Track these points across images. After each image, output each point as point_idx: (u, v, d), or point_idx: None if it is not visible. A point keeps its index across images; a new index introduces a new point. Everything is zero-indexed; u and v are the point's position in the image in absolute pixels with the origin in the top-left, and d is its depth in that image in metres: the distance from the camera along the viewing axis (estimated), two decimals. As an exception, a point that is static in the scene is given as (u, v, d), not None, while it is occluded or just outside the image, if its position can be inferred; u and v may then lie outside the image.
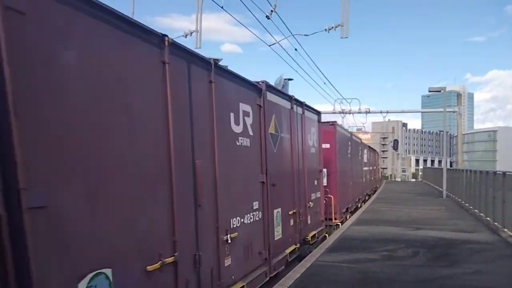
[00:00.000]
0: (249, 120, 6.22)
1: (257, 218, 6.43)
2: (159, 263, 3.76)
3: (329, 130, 12.76)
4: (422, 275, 7.28)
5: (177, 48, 4.33)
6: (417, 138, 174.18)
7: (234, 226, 5.58)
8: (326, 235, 11.59)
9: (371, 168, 29.99)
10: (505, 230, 11.44)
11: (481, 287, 6.59)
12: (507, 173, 12.04)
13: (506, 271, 7.64)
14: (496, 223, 12.54)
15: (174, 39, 4.25)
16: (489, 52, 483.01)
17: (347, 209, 15.75)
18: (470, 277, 7.15)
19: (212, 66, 5.07)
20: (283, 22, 14.91)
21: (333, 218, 12.86)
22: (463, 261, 8.31)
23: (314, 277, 7.18)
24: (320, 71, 40.37)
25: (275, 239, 7.22)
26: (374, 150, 37.38)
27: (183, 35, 16.75)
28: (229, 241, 5.34)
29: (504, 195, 11.85)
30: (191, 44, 16.27)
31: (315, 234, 10.12)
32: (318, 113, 11.38)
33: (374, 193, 29.29)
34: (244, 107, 6.06)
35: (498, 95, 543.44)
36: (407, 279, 7.04)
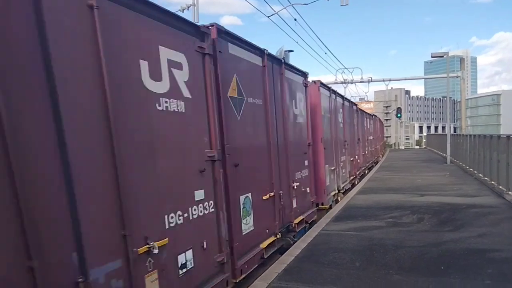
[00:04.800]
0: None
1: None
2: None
3: (311, 90, 9.97)
4: (427, 240, 7.37)
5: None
6: (420, 105, 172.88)
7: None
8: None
9: (372, 138, 26.71)
10: (510, 193, 11.49)
11: (486, 249, 6.67)
12: (511, 136, 12.00)
13: (511, 233, 7.71)
14: (500, 187, 12.59)
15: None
16: (495, 14, 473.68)
17: (339, 190, 12.70)
18: (475, 240, 7.23)
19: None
20: (281, -9, 14.51)
21: (319, 203, 10.39)
22: (468, 225, 8.38)
23: (322, 246, 7.28)
24: (321, 41, 40.00)
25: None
26: (376, 117, 33.86)
27: (180, 9, 16.47)
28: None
29: (508, 158, 11.84)
30: (189, 18, 16.02)
31: (303, 219, 8.50)
32: (305, 74, 9.22)
33: (376, 164, 26.79)
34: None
35: (504, 58, 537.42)
36: (413, 244, 7.13)
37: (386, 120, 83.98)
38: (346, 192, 13.82)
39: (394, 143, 72.17)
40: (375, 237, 7.70)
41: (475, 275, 5.53)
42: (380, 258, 6.43)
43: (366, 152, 22.35)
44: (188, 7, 16.51)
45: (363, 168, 19.95)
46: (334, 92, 12.85)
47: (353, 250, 6.93)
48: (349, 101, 16.31)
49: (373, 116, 31.23)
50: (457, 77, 31.26)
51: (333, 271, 5.95)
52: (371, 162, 24.84)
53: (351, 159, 15.66)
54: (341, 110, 13.94)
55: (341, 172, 13.19)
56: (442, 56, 25.23)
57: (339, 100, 13.83)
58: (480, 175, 15.89)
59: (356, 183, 16.29)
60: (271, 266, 6.34)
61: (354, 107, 18.06)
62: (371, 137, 26.07)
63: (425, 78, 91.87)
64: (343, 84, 31.83)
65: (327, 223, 9.13)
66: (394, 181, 16.21)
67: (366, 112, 25.23)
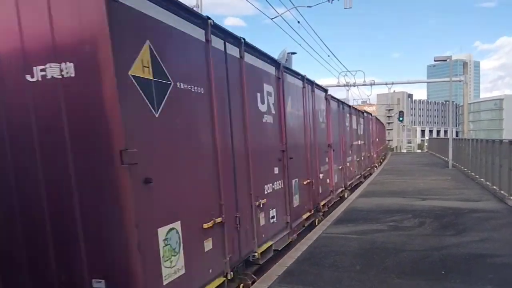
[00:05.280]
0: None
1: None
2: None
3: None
4: (429, 244, 7.36)
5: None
6: (422, 109, 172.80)
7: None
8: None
9: (361, 143, 19.26)
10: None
11: (487, 254, 6.65)
12: (514, 141, 11.96)
13: (512, 238, 7.70)
14: (502, 191, 12.54)
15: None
16: (499, 19, 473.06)
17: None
18: (477, 245, 7.22)
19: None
20: (285, -6, 14.53)
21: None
22: (469, 229, 8.36)
23: (322, 248, 7.27)
24: (324, 43, 40.07)
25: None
26: (370, 115, 25.82)
27: (183, 11, 16.47)
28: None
29: (510, 163, 11.81)
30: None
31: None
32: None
33: (369, 175, 20.96)
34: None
35: (507, 63, 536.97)
36: (414, 248, 7.12)
37: (389, 123, 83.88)
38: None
39: (396, 147, 72.15)
40: (376, 241, 7.69)
41: (476, 280, 5.52)
42: (381, 262, 6.42)
43: (349, 164, 15.22)
44: (192, 8, 16.54)
45: (339, 191, 13.11)
46: (253, 48, 6.48)
47: (354, 253, 6.92)
48: (309, 81, 9.80)
49: (365, 114, 22.29)
50: (460, 81, 31.19)
51: (334, 274, 5.94)
52: (357, 177, 17.45)
53: (306, 181, 9.02)
54: (280, 92, 7.60)
55: (262, 218, 6.46)
56: (445, 60, 25.20)
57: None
58: (482, 179, 15.85)
59: (316, 223, 9.72)
60: (271, 269, 6.33)
61: (322, 93, 11.36)
62: (359, 142, 18.70)
63: (427, 82, 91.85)
64: (346, 87, 31.81)
65: (328, 226, 9.12)
66: (395, 185, 16.19)
67: (352, 107, 18.32)
